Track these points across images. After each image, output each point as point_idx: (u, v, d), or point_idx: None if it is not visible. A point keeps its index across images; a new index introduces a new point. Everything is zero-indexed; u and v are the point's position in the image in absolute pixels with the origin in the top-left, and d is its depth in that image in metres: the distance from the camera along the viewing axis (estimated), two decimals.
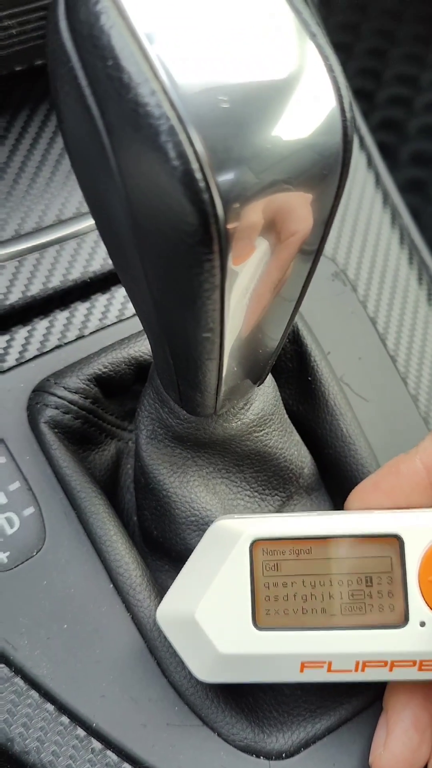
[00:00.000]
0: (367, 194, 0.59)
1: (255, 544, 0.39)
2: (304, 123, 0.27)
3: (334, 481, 0.49)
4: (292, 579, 0.39)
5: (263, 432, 0.44)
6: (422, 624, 0.38)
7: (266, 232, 0.29)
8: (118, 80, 0.25)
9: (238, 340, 0.35)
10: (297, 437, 0.47)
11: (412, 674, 0.38)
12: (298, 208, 0.30)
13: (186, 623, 0.38)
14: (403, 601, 0.38)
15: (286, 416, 0.46)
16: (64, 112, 0.28)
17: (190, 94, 0.25)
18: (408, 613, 0.38)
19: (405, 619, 0.38)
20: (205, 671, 0.38)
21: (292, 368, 0.50)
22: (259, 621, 0.38)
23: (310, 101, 0.27)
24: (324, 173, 0.29)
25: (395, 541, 0.39)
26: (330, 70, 0.27)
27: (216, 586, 0.38)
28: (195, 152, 0.25)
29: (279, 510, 0.46)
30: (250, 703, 0.42)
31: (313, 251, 0.32)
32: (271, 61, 0.26)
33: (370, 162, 0.60)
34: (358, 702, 0.42)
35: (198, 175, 0.25)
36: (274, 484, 0.46)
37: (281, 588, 0.39)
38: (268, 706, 0.42)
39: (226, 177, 0.26)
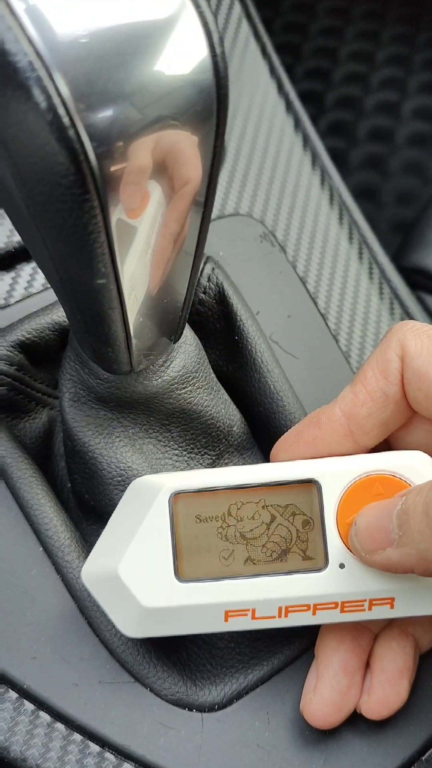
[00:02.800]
0: (295, 156, 0.59)
1: (175, 498, 0.39)
2: (173, 60, 0.27)
3: (266, 438, 0.49)
4: (213, 530, 0.39)
5: (186, 390, 0.44)
6: (341, 566, 0.38)
7: (156, 174, 0.29)
8: None
9: (140, 291, 0.35)
10: (225, 396, 0.47)
11: (335, 617, 0.38)
12: (185, 149, 0.30)
13: (110, 580, 0.39)
14: (322, 544, 0.39)
15: (213, 375, 0.46)
16: None
17: (50, 32, 0.25)
18: (327, 556, 0.39)
19: (325, 562, 0.39)
20: (131, 627, 0.39)
21: (220, 328, 0.50)
22: (181, 573, 0.38)
23: (180, 39, 0.27)
24: (204, 113, 0.29)
25: (312, 486, 0.39)
26: (197, 7, 0.28)
27: (137, 541, 0.39)
28: (56, 88, 0.25)
29: (209, 467, 0.46)
30: (183, 657, 0.42)
31: (202, 202, 0.32)
32: (140, 5, 0.27)
33: (297, 124, 0.60)
34: (290, 651, 0.43)
35: (61, 110, 0.25)
36: (202, 442, 0.46)
37: (202, 539, 0.39)
38: (201, 660, 0.42)
39: (99, 113, 0.26)
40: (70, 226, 0.29)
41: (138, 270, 0.34)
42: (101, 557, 0.40)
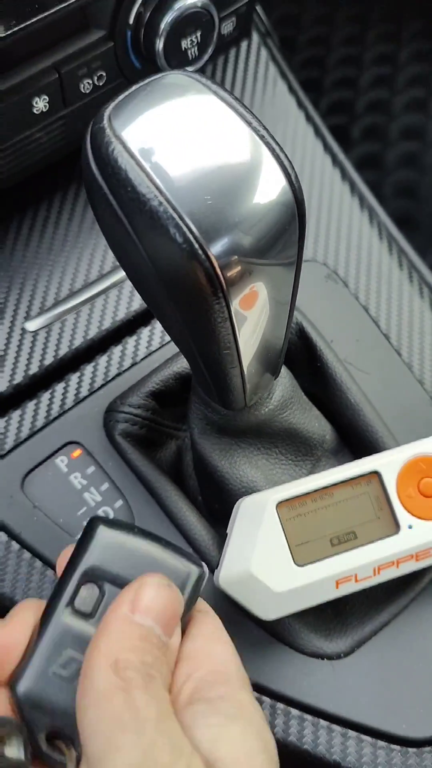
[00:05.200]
0: (345, 203, 0.70)
1: (279, 505, 0.52)
2: (263, 191, 0.39)
3: (354, 442, 0.61)
4: (312, 522, 0.52)
5: (286, 413, 0.56)
6: (410, 527, 0.52)
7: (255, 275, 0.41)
8: (137, 200, 0.37)
9: (253, 348, 0.47)
10: (316, 412, 0.59)
11: (413, 565, 0.52)
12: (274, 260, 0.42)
13: (245, 579, 0.51)
14: (392, 515, 0.52)
15: (305, 397, 0.58)
16: (100, 215, 0.41)
17: (185, 200, 0.37)
18: (398, 522, 0.52)
19: (397, 527, 0.52)
20: (268, 611, 0.51)
21: (303, 358, 0.62)
22: (297, 560, 0.51)
23: (264, 176, 0.39)
24: (287, 224, 0.41)
25: (375, 475, 0.53)
26: (276, 157, 0.39)
27: (260, 545, 0.51)
28: (193, 234, 0.37)
29: (311, 471, 0.58)
30: (310, 619, 0.55)
31: (293, 263, 0.43)
32: (234, 162, 0.39)
33: (344, 175, 0.72)
34: (394, 608, 0.55)
35: (197, 247, 0.37)
36: (303, 451, 0.58)
37: (306, 531, 0.52)
38: (325, 618, 0.55)
39: (220, 240, 0.38)
40: (205, 318, 0.41)
41: (251, 338, 0.46)
42: (232, 564, 0.51)
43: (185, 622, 0.41)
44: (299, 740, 0.51)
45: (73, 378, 0.61)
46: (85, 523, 0.44)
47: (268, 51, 0.76)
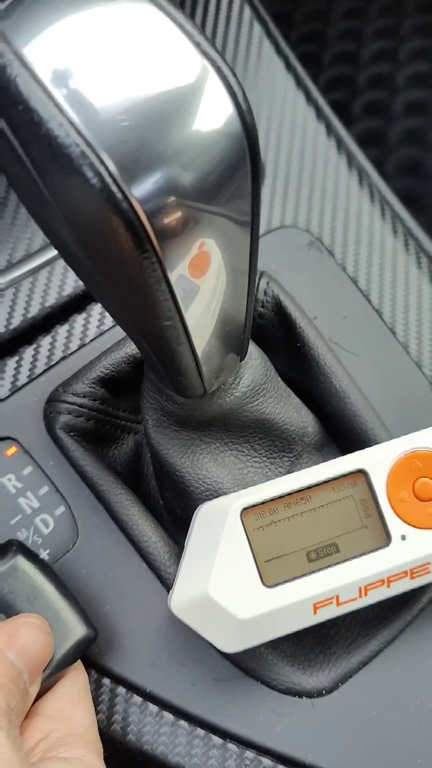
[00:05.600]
0: (331, 161, 0.61)
1: (244, 513, 0.43)
2: (205, 119, 0.30)
3: (340, 435, 0.52)
4: (284, 533, 0.42)
5: (257, 401, 0.47)
6: (403, 537, 0.42)
7: (201, 223, 0.33)
8: (31, 121, 0.28)
9: (210, 324, 0.38)
10: (295, 400, 0.50)
11: (407, 584, 0.43)
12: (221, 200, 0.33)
13: (201, 604, 0.42)
14: (381, 523, 0.43)
15: (281, 383, 0.49)
16: (3, 164, 0.32)
17: (94, 120, 0.28)
18: (389, 532, 0.42)
19: (388, 538, 0.42)
20: (230, 642, 0.42)
21: (281, 337, 0.53)
22: (266, 580, 0.42)
23: (207, 99, 0.31)
24: (238, 159, 0.32)
25: (361, 475, 0.43)
26: (223, 78, 0.31)
27: (220, 560, 0.42)
28: (107, 168, 0.28)
29: (289, 470, 0.49)
30: (288, 648, 0.46)
31: (248, 222, 0.35)
32: (162, 76, 0.30)
33: (329, 130, 0.63)
34: (388, 633, 0.46)
35: (113, 188, 0.28)
36: (279, 446, 0.49)
37: (277, 545, 0.42)
38: (306, 648, 0.46)
39: (148, 181, 0.29)
40: (135, 280, 0.32)
41: (208, 313, 0.37)
42: (187, 585, 0.43)
43: (56, 678, 0.41)
44: None
45: (10, 363, 0.52)
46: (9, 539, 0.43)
47: (263, 26, 0.66)
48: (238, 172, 0.32)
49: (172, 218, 0.31)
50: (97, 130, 0.28)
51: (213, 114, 0.31)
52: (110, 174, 0.28)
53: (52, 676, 0.40)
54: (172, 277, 0.33)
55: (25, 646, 0.38)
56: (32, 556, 0.42)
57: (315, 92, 0.64)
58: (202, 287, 0.36)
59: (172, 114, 0.30)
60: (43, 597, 0.41)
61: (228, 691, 0.44)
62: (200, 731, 0.44)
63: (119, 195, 0.29)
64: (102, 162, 0.28)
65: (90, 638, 0.42)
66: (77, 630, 0.42)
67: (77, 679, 0.41)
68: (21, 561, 0.41)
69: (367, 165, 0.62)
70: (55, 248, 0.38)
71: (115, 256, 0.31)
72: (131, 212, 0.29)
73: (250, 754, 0.43)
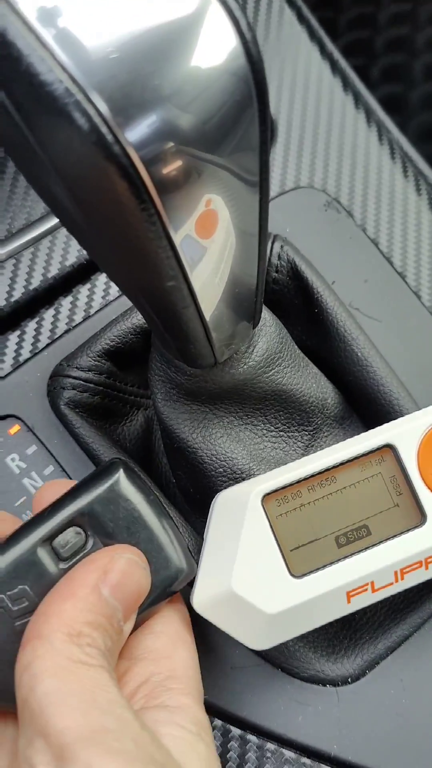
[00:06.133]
0: (349, 117, 0.58)
1: (265, 499, 0.40)
2: (205, 54, 0.27)
3: (363, 405, 0.49)
4: (310, 518, 0.39)
5: (273, 371, 0.44)
6: None
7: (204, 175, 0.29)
8: (9, 57, 0.25)
9: (218, 288, 0.35)
10: (314, 369, 0.47)
11: None
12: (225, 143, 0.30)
13: (226, 600, 0.39)
14: (414, 501, 0.39)
15: (298, 351, 0.46)
16: None
17: (82, 54, 0.25)
18: (423, 510, 0.39)
19: (422, 516, 0.39)
20: (260, 639, 0.39)
21: (298, 304, 0.50)
22: (293, 570, 0.39)
23: (208, 32, 0.27)
24: (244, 101, 0.29)
25: (389, 450, 0.40)
26: (227, 8, 0.27)
27: (242, 552, 0.39)
28: (94, 106, 0.25)
29: (308, 444, 0.46)
30: (310, 634, 0.43)
31: (256, 182, 0.32)
32: (157, 4, 0.27)
33: (346, 83, 0.59)
34: (417, 617, 0.43)
35: (104, 129, 0.25)
36: (297, 419, 0.46)
37: (303, 531, 0.39)
38: (330, 634, 0.43)
39: (142, 122, 0.26)
40: (133, 237, 0.29)
41: (216, 276, 0.34)
42: (209, 581, 0.40)
43: (150, 613, 0.38)
44: None
45: (12, 338, 0.49)
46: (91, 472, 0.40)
47: None
48: (244, 114, 0.29)
49: (171, 168, 0.28)
50: (83, 64, 0.25)
51: (214, 46, 0.27)
52: (99, 113, 0.25)
53: (146, 610, 0.37)
54: (177, 237, 0.30)
55: (120, 583, 0.35)
56: (136, 480, 0.39)
57: (330, 45, 0.60)
58: (210, 248, 0.32)
59: (168, 46, 0.27)
60: (144, 527, 0.38)
61: (246, 678, 0.41)
62: (217, 722, 0.41)
63: (110, 137, 0.26)
64: (89, 100, 0.25)
65: (189, 573, 0.39)
66: (176, 564, 0.38)
67: (175, 615, 0.39)
68: (124, 486, 0.38)
69: (388, 121, 0.59)
70: (51, 211, 0.35)
71: (111, 209, 0.28)
72: (124, 156, 0.26)
73: (271, 745, 0.40)
